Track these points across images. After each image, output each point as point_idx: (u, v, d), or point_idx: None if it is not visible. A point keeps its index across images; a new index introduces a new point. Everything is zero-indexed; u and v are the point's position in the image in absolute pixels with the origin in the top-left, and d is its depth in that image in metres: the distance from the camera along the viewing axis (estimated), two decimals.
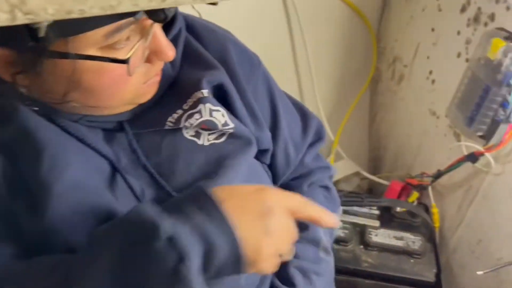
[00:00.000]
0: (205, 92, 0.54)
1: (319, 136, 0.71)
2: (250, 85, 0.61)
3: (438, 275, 0.88)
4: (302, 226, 0.56)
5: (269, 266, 0.44)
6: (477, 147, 0.83)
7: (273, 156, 0.66)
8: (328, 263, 0.67)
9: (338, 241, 0.93)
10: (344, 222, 0.96)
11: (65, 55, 0.41)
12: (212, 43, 0.59)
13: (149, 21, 0.44)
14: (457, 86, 0.86)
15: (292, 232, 0.46)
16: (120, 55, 0.44)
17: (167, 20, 0.43)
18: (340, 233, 0.94)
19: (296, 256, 0.62)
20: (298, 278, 0.61)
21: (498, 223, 0.84)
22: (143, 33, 0.45)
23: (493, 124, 0.79)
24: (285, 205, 0.45)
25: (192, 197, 0.42)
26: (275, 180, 0.69)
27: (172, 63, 0.55)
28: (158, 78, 0.52)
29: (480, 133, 0.82)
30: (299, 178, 0.71)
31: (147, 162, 0.53)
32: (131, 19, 0.42)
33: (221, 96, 0.57)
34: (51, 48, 0.40)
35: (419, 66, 1.07)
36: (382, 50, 1.23)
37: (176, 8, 0.46)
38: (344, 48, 1.22)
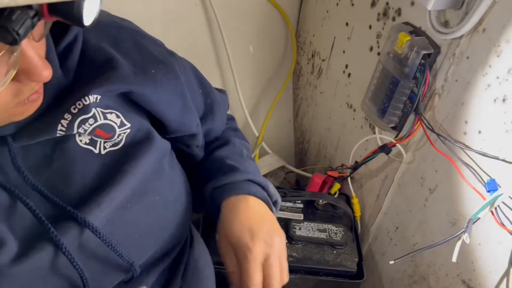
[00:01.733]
0: (93, 98, 0.50)
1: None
2: (174, 75, 0.60)
3: (360, 263, 0.91)
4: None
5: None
6: (389, 138, 0.86)
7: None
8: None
9: None
10: None
11: None
12: (124, 41, 0.56)
13: None
14: (370, 79, 0.88)
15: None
16: None
17: (19, 42, 0.35)
18: None
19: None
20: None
21: (411, 210, 0.88)
22: (3, 51, 0.37)
23: (403, 116, 0.82)
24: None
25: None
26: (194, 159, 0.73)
27: (65, 71, 0.50)
28: (37, 96, 0.45)
29: (392, 125, 0.85)
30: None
31: (34, 180, 0.48)
32: None
33: (135, 100, 0.56)
34: None
35: (336, 60, 1.09)
36: (301, 45, 1.24)
37: (34, 26, 0.37)
38: (264, 44, 1.22)
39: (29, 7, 0.35)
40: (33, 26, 0.36)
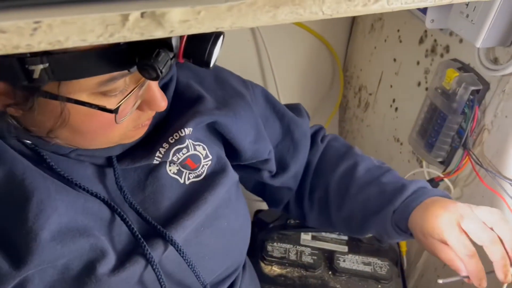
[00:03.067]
0: (188, 130, 0.57)
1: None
2: (251, 106, 0.65)
3: None
4: None
5: None
6: (437, 172, 0.85)
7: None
8: None
9: (306, 267, 0.94)
10: (312, 248, 0.96)
11: (55, 97, 0.42)
12: (206, 77, 0.64)
13: None
14: (417, 114, 0.89)
15: None
16: (111, 103, 0.45)
17: (159, 78, 0.42)
18: (309, 259, 0.95)
19: None
20: None
21: None
22: (138, 84, 0.46)
23: (451, 151, 0.82)
24: None
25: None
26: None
27: None
28: (148, 122, 0.54)
29: (439, 159, 0.85)
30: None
31: (132, 200, 0.54)
32: (125, 71, 0.43)
33: (218, 131, 0.62)
34: (43, 89, 0.42)
35: (383, 94, 1.11)
36: (348, 79, 1.27)
37: (172, 66, 0.46)
38: (311, 78, 1.26)
39: (171, 50, 0.43)
40: (170, 66, 0.43)
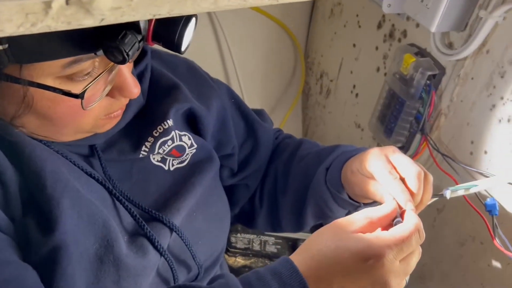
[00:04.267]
0: (171, 121, 0.57)
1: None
2: (217, 98, 0.65)
3: None
4: None
5: None
6: None
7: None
8: None
9: (270, 256, 0.93)
10: (276, 237, 0.96)
11: (17, 80, 0.40)
12: (179, 66, 0.64)
13: None
14: (377, 100, 0.89)
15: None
16: (78, 88, 0.43)
17: (126, 61, 0.41)
18: (273, 249, 0.94)
19: None
20: None
21: None
22: (106, 68, 0.44)
23: (410, 136, 0.83)
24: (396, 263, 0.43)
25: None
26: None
27: (142, 92, 0.57)
28: (120, 112, 0.52)
29: (399, 144, 0.85)
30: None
31: (120, 188, 0.54)
32: (91, 54, 0.41)
33: (191, 118, 0.61)
34: (4, 71, 0.40)
35: (343, 81, 1.11)
36: (310, 66, 1.26)
37: (139, 49, 0.44)
38: (273, 64, 1.24)
39: (138, 32, 0.41)
40: (138, 49, 0.41)
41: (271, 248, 0.94)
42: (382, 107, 0.87)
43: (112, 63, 0.43)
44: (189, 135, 0.60)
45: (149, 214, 0.55)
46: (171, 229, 0.55)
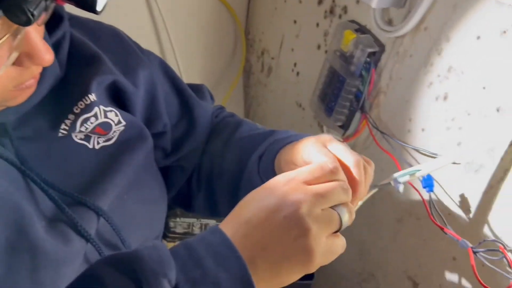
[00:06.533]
0: (94, 95, 0.52)
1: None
2: (147, 70, 0.60)
3: None
4: None
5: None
6: (337, 137, 0.85)
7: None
8: None
9: None
10: (217, 220, 0.93)
11: None
12: (103, 35, 0.58)
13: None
14: (317, 78, 0.88)
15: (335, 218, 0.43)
16: None
17: (31, 23, 0.36)
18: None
19: None
20: None
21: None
22: (9, 31, 0.38)
23: (350, 114, 0.82)
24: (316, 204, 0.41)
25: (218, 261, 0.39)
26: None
27: (59, 62, 0.51)
28: (33, 82, 0.46)
29: (339, 123, 0.84)
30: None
31: (36, 169, 0.49)
32: None
33: (116, 92, 0.56)
34: None
35: (284, 58, 1.08)
36: (251, 43, 1.22)
37: (48, 9, 0.39)
38: (212, 41, 1.19)
39: None
40: (46, 9, 0.37)
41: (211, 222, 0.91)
42: (323, 85, 0.86)
43: (16, 25, 0.38)
44: (116, 111, 0.55)
45: (71, 197, 0.50)
46: (97, 213, 0.51)
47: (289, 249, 0.40)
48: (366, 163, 0.51)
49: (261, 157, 0.59)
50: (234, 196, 0.65)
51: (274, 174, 0.56)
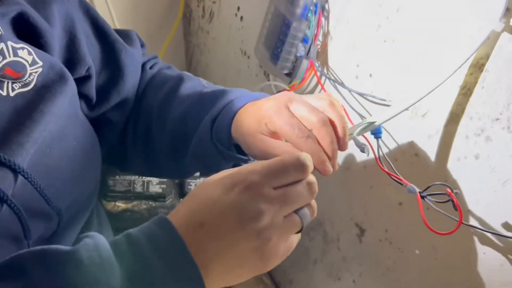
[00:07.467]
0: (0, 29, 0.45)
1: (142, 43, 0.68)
2: (63, 6, 0.52)
3: None
4: None
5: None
6: (283, 85, 0.82)
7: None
8: None
9: (154, 197, 0.86)
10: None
11: None
12: None
13: None
14: (262, 22, 0.82)
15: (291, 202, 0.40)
16: None
17: None
18: (157, 189, 0.87)
19: None
20: None
21: None
22: None
23: (296, 61, 0.78)
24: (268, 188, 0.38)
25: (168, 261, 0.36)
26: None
27: None
28: None
29: (285, 71, 0.81)
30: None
31: None
32: None
33: (25, 27, 0.49)
34: None
35: (227, 2, 1.01)
36: None
37: None
38: None
39: None
40: None
41: (155, 189, 0.87)
42: (268, 30, 0.81)
43: None
44: (29, 49, 0.47)
45: None
46: (14, 170, 0.45)
47: (245, 258, 0.38)
48: (334, 105, 0.49)
49: (214, 121, 0.54)
50: (181, 160, 0.60)
51: (230, 141, 0.53)
